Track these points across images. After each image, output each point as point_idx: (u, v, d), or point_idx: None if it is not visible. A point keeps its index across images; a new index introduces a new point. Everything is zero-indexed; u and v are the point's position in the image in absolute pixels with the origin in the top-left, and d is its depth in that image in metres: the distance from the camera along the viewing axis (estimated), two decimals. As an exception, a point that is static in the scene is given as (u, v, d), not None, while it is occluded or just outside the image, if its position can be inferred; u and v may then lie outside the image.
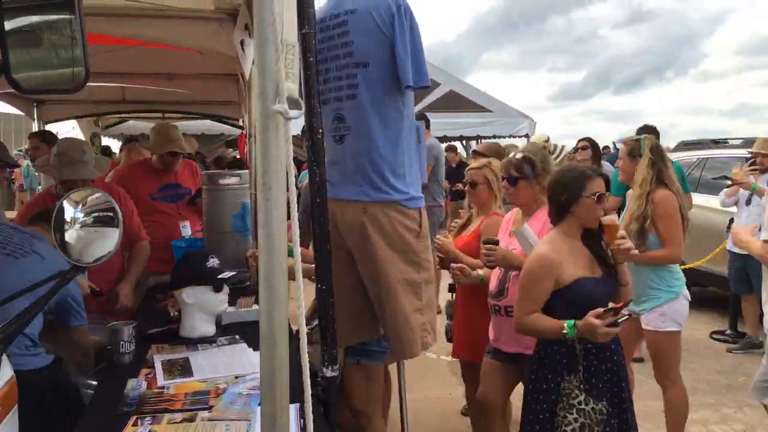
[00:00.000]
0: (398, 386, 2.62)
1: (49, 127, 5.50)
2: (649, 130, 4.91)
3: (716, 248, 5.30)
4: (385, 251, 2.07)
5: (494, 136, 9.68)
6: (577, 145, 5.68)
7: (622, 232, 2.28)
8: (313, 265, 1.73)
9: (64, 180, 2.92)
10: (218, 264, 2.48)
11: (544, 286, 2.17)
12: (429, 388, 3.73)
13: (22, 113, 5.52)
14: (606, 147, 10.27)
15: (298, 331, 1.01)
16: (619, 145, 4.23)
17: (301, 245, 0.99)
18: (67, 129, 7.44)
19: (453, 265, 2.77)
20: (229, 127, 7.63)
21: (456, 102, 9.39)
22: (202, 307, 2.40)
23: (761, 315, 2.96)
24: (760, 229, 2.68)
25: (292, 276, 0.99)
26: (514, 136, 9.65)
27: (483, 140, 9.78)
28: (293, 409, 1.57)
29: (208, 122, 8.37)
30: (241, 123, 5.62)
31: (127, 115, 7.50)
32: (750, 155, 4.92)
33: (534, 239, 2.43)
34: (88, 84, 1.24)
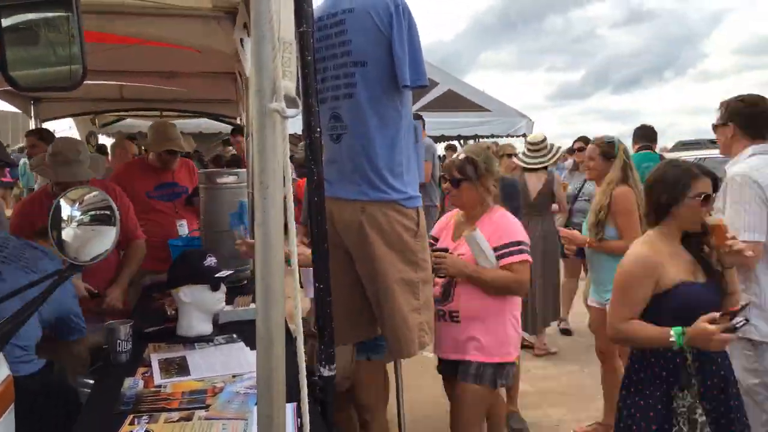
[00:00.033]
0: (395, 385, 2.62)
1: (46, 126, 5.49)
2: (646, 129, 4.93)
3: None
4: (383, 250, 2.06)
5: (492, 136, 9.67)
6: (573, 145, 5.68)
7: (732, 232, 2.14)
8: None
9: (59, 181, 2.90)
10: (215, 263, 2.48)
11: (643, 290, 2.00)
12: (426, 386, 3.73)
13: (19, 111, 5.51)
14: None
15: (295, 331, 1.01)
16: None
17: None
18: (64, 127, 7.43)
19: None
20: (227, 125, 7.61)
21: (454, 101, 9.38)
22: (199, 305, 2.39)
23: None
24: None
25: None
26: (512, 136, 9.63)
27: (481, 139, 9.78)
28: (290, 408, 1.57)
29: (206, 121, 8.36)
30: (239, 121, 5.61)
31: (125, 113, 7.48)
32: None
33: (486, 245, 2.39)
34: (85, 82, 1.23)
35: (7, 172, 9.96)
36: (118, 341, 2.13)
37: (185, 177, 3.96)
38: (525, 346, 5.05)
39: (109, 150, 7.32)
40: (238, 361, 2.10)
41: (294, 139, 5.37)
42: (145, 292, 3.24)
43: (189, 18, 2.87)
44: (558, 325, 5.45)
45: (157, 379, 1.95)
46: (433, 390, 3.78)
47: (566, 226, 4.76)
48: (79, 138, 6.00)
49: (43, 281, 1.49)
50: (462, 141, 10.95)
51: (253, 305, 2.62)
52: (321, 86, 2.07)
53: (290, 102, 0.90)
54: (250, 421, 1.61)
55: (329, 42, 2.09)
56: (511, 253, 2.41)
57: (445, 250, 2.50)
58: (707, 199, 2.03)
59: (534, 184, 4.69)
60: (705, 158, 6.63)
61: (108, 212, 1.57)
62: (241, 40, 2.63)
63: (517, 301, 2.55)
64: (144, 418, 1.65)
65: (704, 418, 1.88)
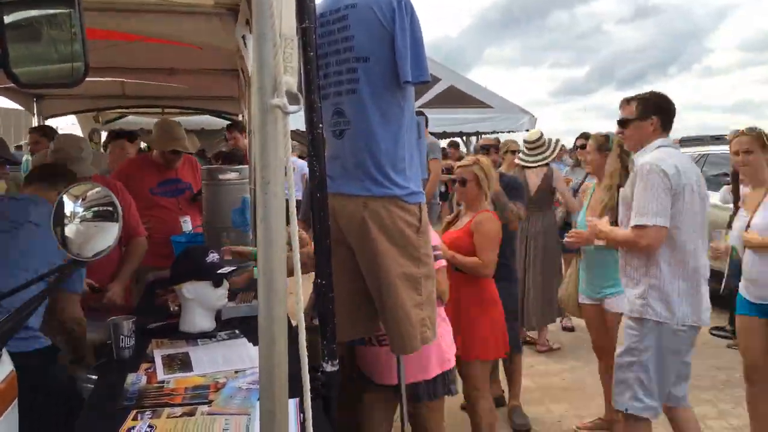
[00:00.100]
0: (398, 381, 2.62)
1: (49, 123, 5.49)
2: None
3: (716, 244, 5.29)
4: (386, 246, 2.06)
5: (494, 132, 9.66)
6: (575, 142, 5.65)
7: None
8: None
9: None
10: (218, 259, 2.48)
11: None
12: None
13: (22, 108, 5.52)
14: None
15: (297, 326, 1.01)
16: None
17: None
18: (66, 125, 7.42)
19: None
20: (230, 122, 7.61)
21: (456, 98, 9.36)
22: (201, 302, 2.40)
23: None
24: (615, 220, 2.91)
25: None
26: (514, 132, 9.63)
27: (483, 136, 9.76)
28: (293, 403, 1.57)
29: (208, 117, 8.35)
30: (240, 118, 5.61)
31: (127, 111, 7.48)
32: None
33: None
34: (87, 79, 1.24)
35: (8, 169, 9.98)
36: (122, 337, 2.13)
37: (188, 173, 3.96)
38: (527, 342, 5.05)
39: (102, 149, 7.32)
40: (240, 356, 2.11)
41: (298, 136, 5.37)
42: (149, 289, 3.25)
43: (191, 15, 2.87)
44: (560, 322, 5.45)
45: (160, 374, 1.95)
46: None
47: (567, 222, 4.76)
48: (81, 135, 6.01)
49: (47, 277, 1.49)
50: (464, 137, 10.93)
51: (255, 301, 2.63)
52: (324, 82, 2.07)
53: (292, 98, 0.90)
54: (252, 416, 1.62)
55: (332, 38, 2.09)
56: (436, 258, 2.37)
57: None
58: None
59: (533, 180, 4.69)
60: (708, 154, 6.60)
61: (110, 208, 1.58)
62: (243, 37, 2.62)
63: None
64: (147, 413, 1.66)
65: None
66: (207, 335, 2.35)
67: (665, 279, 2.53)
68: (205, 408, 1.69)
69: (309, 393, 1.02)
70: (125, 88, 5.49)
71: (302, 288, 1.00)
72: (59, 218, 1.51)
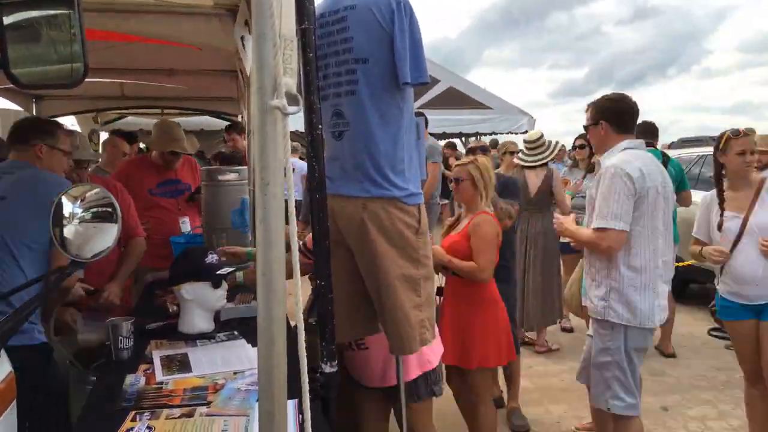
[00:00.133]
0: (396, 383, 2.61)
1: (49, 124, 5.47)
2: (648, 126, 4.90)
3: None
4: (385, 247, 2.06)
5: (493, 133, 9.67)
6: (574, 142, 5.66)
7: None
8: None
9: None
10: (217, 260, 2.48)
11: None
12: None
13: (21, 109, 5.51)
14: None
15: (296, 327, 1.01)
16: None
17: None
18: (66, 125, 7.40)
19: None
20: (229, 123, 7.61)
21: (455, 99, 9.37)
22: (200, 303, 2.40)
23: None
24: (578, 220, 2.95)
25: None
26: (513, 133, 9.63)
27: (482, 137, 9.76)
28: (291, 404, 1.57)
29: (207, 118, 8.35)
30: (240, 119, 5.61)
31: (126, 111, 7.48)
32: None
33: None
34: (86, 79, 1.24)
35: None
36: (120, 338, 2.13)
37: (188, 174, 3.96)
38: (526, 343, 5.05)
39: (100, 149, 7.32)
40: (239, 357, 2.11)
41: (296, 137, 5.36)
42: (147, 289, 3.25)
43: (190, 16, 2.87)
44: (559, 323, 5.45)
45: (159, 375, 1.95)
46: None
47: None
48: (80, 136, 5.98)
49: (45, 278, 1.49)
50: (463, 138, 10.92)
51: (254, 302, 2.63)
52: (323, 83, 2.07)
53: (291, 99, 0.90)
54: (251, 417, 1.62)
55: (331, 39, 2.09)
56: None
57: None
58: None
59: (533, 181, 4.68)
60: (707, 155, 6.59)
61: (109, 209, 1.58)
62: (242, 38, 2.62)
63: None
64: (146, 414, 1.66)
65: None
66: (206, 336, 2.35)
67: (624, 281, 2.55)
68: (203, 409, 1.69)
69: (308, 394, 1.02)
70: (124, 88, 5.49)
71: (301, 289, 1.00)
72: (58, 219, 1.51)
